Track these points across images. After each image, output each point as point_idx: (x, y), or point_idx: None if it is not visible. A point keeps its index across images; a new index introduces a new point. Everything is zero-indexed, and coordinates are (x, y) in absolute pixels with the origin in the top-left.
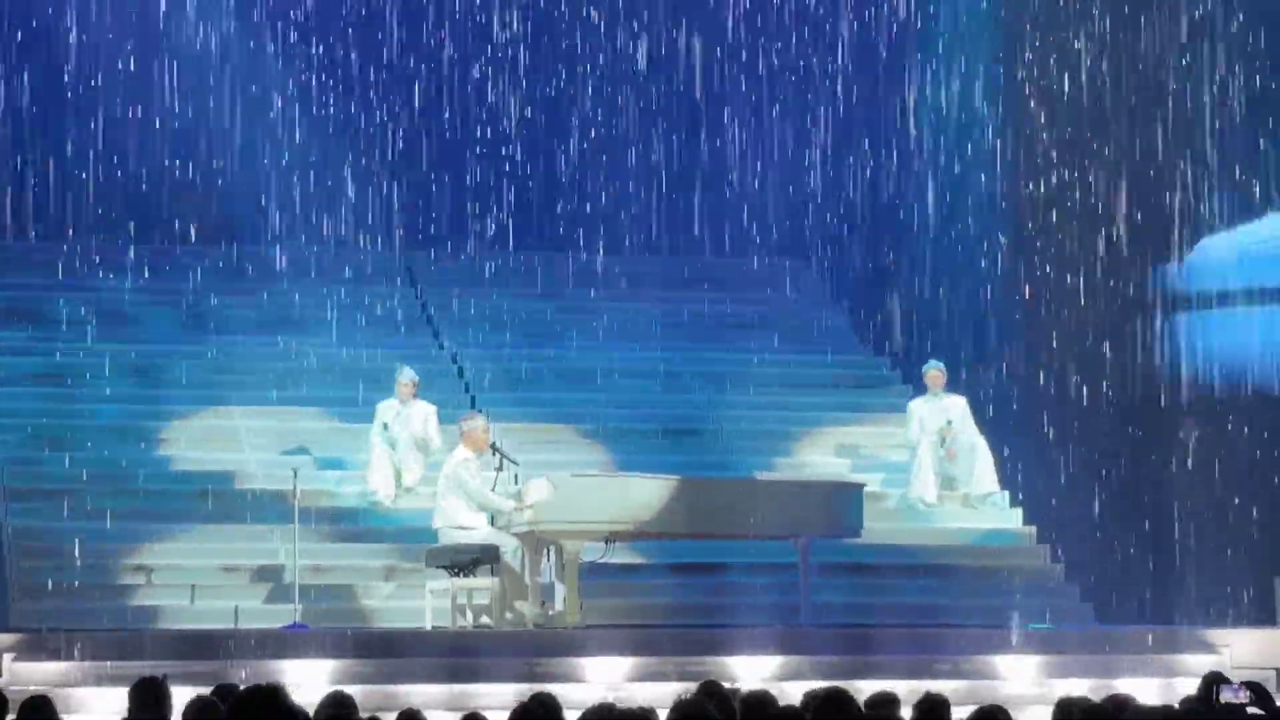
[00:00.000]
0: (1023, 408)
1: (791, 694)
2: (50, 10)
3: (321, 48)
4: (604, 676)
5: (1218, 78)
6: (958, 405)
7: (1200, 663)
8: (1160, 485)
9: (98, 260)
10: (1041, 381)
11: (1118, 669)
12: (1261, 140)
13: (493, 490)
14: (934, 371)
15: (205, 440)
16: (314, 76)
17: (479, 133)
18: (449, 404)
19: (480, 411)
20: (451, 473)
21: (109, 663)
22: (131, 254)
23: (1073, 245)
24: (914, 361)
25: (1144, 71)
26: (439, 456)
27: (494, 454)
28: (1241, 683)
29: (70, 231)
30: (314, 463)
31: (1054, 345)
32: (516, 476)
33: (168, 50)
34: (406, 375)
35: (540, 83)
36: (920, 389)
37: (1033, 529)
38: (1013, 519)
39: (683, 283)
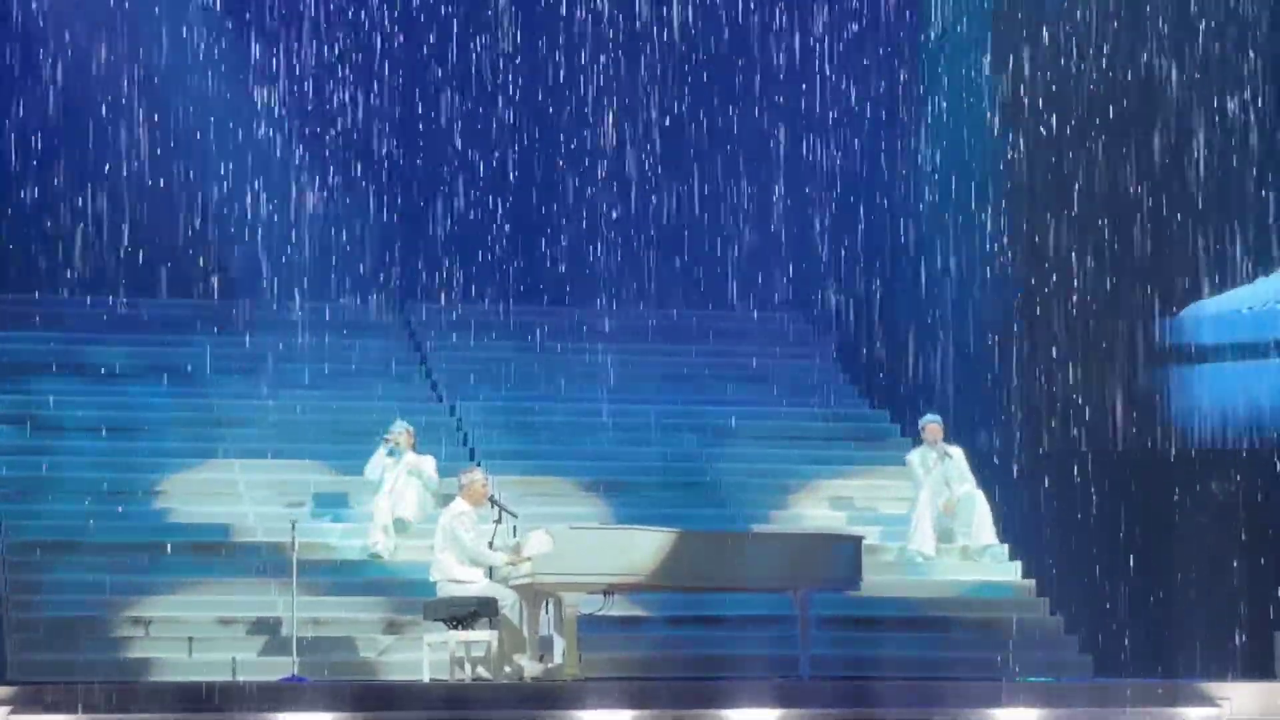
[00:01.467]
0: (1022, 460)
1: None
2: (39, 60)
3: (320, 99)
4: None
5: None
6: (955, 455)
7: (1200, 716)
8: (1160, 538)
9: (99, 312)
10: (1041, 434)
11: None
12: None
13: (491, 542)
14: (932, 425)
15: (203, 493)
16: (311, 129)
17: (478, 187)
18: (447, 457)
19: (479, 465)
20: (447, 525)
21: (106, 715)
22: (131, 306)
23: (1076, 298)
24: (913, 414)
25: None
26: (434, 496)
27: (493, 507)
28: None
29: (67, 282)
30: (312, 515)
31: (1054, 398)
32: (515, 529)
33: (161, 104)
34: (400, 426)
35: (540, 137)
36: (919, 440)
37: (1032, 581)
38: (1012, 571)
39: (681, 336)
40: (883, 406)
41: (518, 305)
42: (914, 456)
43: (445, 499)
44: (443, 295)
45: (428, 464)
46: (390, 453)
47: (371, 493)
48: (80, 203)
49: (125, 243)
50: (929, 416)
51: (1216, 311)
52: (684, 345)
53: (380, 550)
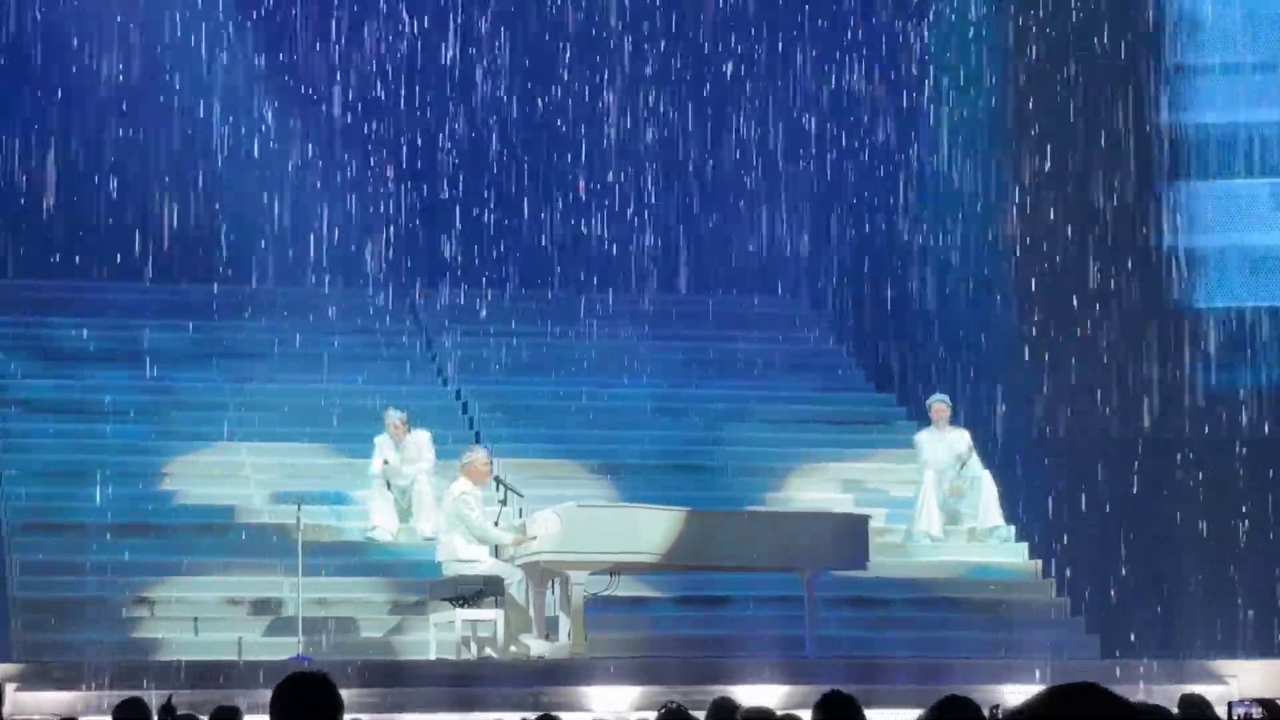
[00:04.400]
0: (1028, 443)
1: None
2: (39, 45)
3: (329, 87)
4: (609, 705)
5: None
6: (963, 439)
7: (1207, 693)
8: (1166, 519)
9: (109, 296)
10: (1047, 417)
11: None
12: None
13: (496, 522)
14: (938, 404)
15: (210, 475)
16: (320, 116)
17: (484, 172)
18: (453, 440)
19: (483, 446)
20: (451, 507)
21: (112, 693)
22: (140, 290)
23: (1082, 284)
24: (920, 398)
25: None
26: (428, 473)
27: (499, 487)
28: (1254, 700)
29: (77, 266)
30: (318, 497)
31: (1060, 382)
32: (521, 510)
33: (172, 85)
34: (394, 416)
35: (545, 123)
36: (925, 421)
37: (1038, 562)
38: (1018, 553)
39: (688, 320)
40: (889, 390)
41: (523, 290)
42: (921, 436)
43: (439, 470)
44: (448, 280)
45: (423, 439)
46: (396, 445)
47: (377, 477)
48: (87, 187)
49: (133, 225)
50: (936, 396)
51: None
52: (691, 329)
53: (378, 535)
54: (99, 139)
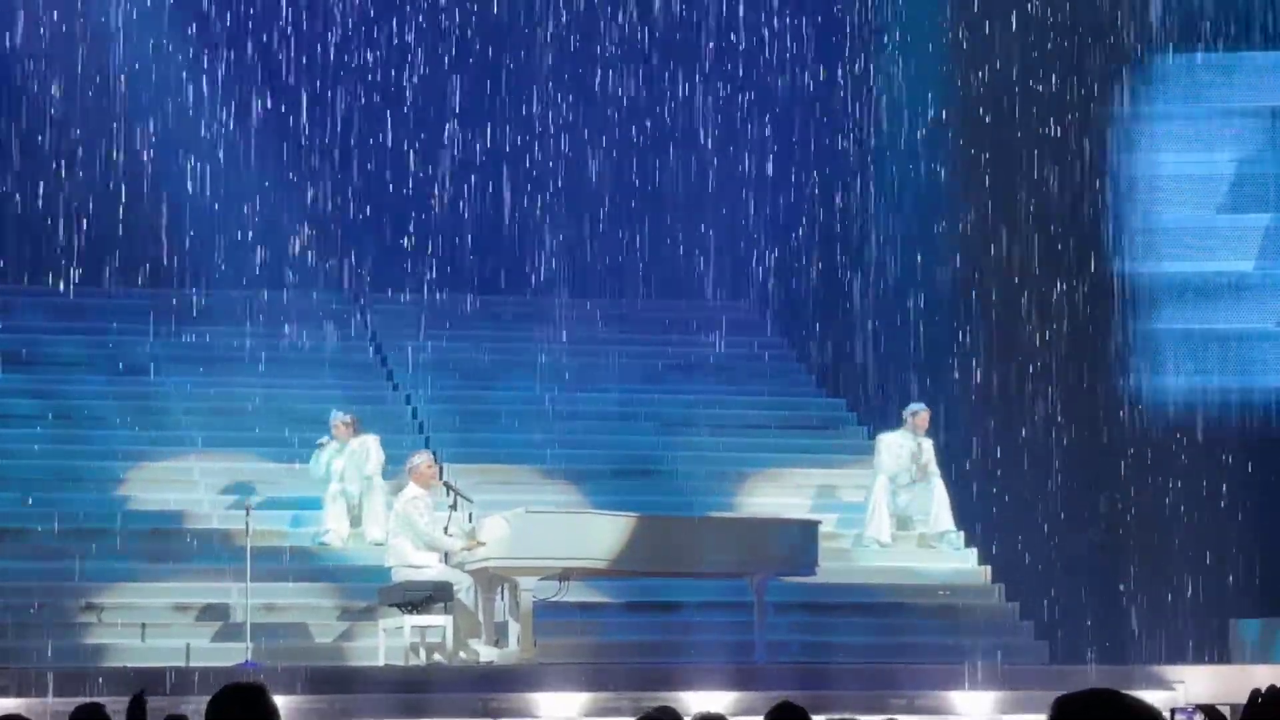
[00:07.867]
0: (978, 448)
1: None
2: None
3: (272, 89)
4: (557, 711)
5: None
6: (927, 447)
7: (1155, 699)
8: (1114, 525)
9: (50, 303)
10: (997, 423)
11: None
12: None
13: (446, 528)
14: (923, 414)
15: (157, 481)
16: (265, 118)
17: (433, 176)
18: (403, 445)
19: (428, 449)
20: (401, 511)
21: (59, 699)
22: (84, 297)
23: (1029, 287)
24: (869, 402)
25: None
26: (375, 475)
27: (448, 492)
28: (1196, 706)
29: (23, 272)
30: (266, 503)
31: (1009, 389)
32: (471, 515)
33: (110, 90)
34: (336, 418)
35: (492, 126)
36: (893, 422)
37: (987, 568)
38: (968, 559)
39: (639, 325)
40: (839, 395)
41: (474, 295)
42: (887, 438)
43: (391, 473)
44: (399, 285)
45: (370, 442)
46: (340, 448)
47: (324, 482)
48: (32, 191)
49: (78, 231)
50: (918, 405)
51: (1176, 296)
52: (642, 335)
53: (330, 540)
54: (43, 141)
